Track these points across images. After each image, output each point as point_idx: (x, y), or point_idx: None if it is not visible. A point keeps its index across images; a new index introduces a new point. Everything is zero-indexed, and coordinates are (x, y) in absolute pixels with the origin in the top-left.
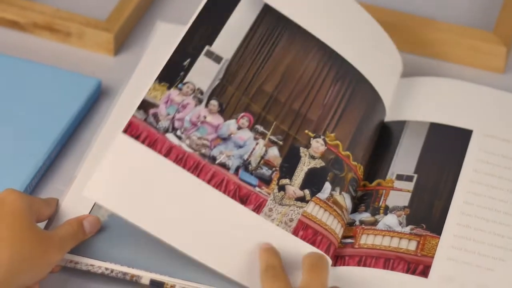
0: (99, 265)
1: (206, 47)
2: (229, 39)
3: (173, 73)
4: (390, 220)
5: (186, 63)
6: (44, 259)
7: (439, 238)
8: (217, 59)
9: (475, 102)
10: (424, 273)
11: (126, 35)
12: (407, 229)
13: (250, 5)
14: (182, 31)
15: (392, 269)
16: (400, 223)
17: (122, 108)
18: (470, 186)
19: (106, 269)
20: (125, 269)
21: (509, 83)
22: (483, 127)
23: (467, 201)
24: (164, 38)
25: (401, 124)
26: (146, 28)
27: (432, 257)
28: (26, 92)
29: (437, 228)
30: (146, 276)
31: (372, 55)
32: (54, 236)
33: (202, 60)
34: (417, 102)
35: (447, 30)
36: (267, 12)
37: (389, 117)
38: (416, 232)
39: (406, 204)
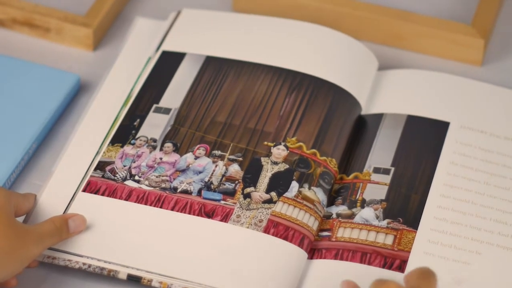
0: (76, 260)
1: (154, 105)
2: (175, 93)
3: (124, 134)
4: (367, 214)
5: (136, 123)
6: (21, 253)
7: (416, 232)
8: (166, 111)
9: (452, 94)
10: (401, 268)
11: (105, 31)
12: (384, 223)
13: (192, 61)
14: (129, 99)
15: (369, 263)
16: (377, 217)
17: (101, 103)
18: (447, 179)
19: (84, 264)
20: (102, 264)
21: (487, 76)
22: (460, 118)
23: (443, 194)
24: (142, 33)
25: (378, 117)
26: (125, 23)
27: (409, 252)
28: (5, 87)
29: (413, 222)
30: (123, 271)
31: (332, 59)
32: (33, 231)
33: (152, 116)
34: (394, 94)
35: (425, 23)
36: (210, 61)
37: (366, 110)
38: (393, 226)
39: (383, 197)
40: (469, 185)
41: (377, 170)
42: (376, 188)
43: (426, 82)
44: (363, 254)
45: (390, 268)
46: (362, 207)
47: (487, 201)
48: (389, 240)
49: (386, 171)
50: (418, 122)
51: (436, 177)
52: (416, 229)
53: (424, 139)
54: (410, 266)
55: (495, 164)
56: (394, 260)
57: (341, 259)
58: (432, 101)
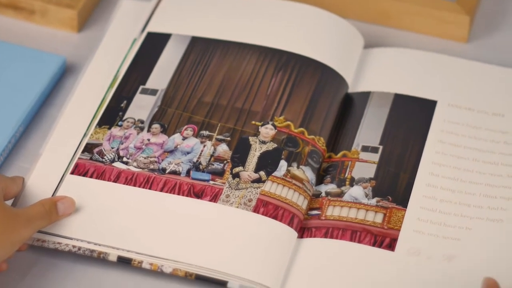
0: (66, 243)
1: (141, 87)
2: (162, 74)
3: (111, 116)
4: (356, 192)
5: (123, 104)
6: (12, 237)
7: (405, 210)
8: (153, 92)
9: (439, 72)
10: (391, 246)
11: (90, 12)
12: (373, 201)
13: (178, 42)
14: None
15: (359, 241)
16: (366, 195)
17: (87, 85)
18: (435, 157)
19: (74, 246)
20: (92, 246)
21: (473, 53)
22: (447, 97)
23: (432, 172)
24: (128, 15)
25: (366, 95)
26: (110, 4)
27: (399, 230)
28: None
29: (403, 200)
30: (113, 253)
31: (318, 37)
32: (22, 214)
33: (138, 98)
34: (381, 73)
35: (410, 0)
36: (196, 42)
37: (353, 88)
38: (382, 205)
39: (372, 176)
40: (458, 162)
41: (365, 149)
42: (364, 167)
43: (413, 61)
44: (353, 232)
45: (380, 246)
46: (351, 185)
47: (476, 178)
48: (378, 218)
49: (374, 150)
50: (405, 101)
51: (424, 156)
52: (405, 207)
53: (411, 118)
54: (400, 245)
55: (483, 140)
56: (384, 238)
57: (331, 237)
58: (419, 80)
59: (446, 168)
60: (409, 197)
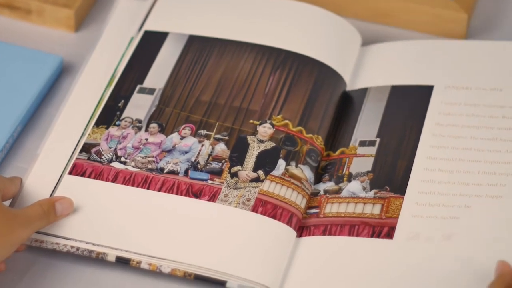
0: (64, 243)
1: (138, 86)
2: (159, 73)
3: (109, 116)
4: (353, 187)
5: (120, 104)
6: (10, 237)
7: (403, 197)
8: (151, 91)
9: (434, 57)
10: (389, 234)
11: (87, 11)
12: (371, 193)
13: (175, 40)
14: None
15: (357, 235)
16: (364, 189)
17: (84, 85)
18: (432, 141)
19: (72, 247)
20: (90, 247)
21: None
22: (443, 79)
23: (430, 156)
24: (124, 13)
25: (363, 92)
26: (107, 3)
27: (397, 218)
28: None
29: (401, 188)
30: (112, 254)
31: (316, 36)
32: (21, 215)
33: (136, 97)
34: (378, 68)
35: None
36: (193, 41)
37: (350, 86)
38: (380, 196)
39: (369, 169)
40: (456, 142)
41: (362, 143)
42: (362, 161)
43: (407, 51)
44: (351, 227)
45: (378, 236)
46: (349, 181)
47: (474, 155)
48: (376, 209)
49: (371, 143)
50: (402, 91)
51: (421, 140)
52: (403, 194)
53: (409, 106)
54: (398, 232)
55: (481, 117)
56: (382, 228)
57: (329, 234)
58: (415, 68)
59: (444, 149)
60: (407, 184)
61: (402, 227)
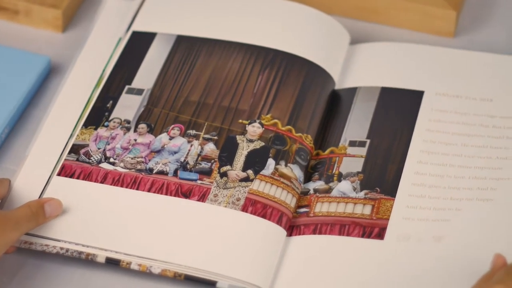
0: (54, 245)
1: (126, 87)
2: (147, 73)
3: (98, 117)
4: (344, 187)
5: (109, 104)
6: None
7: (394, 200)
8: (139, 91)
9: (425, 63)
10: (380, 235)
11: (74, 11)
12: (362, 194)
13: (163, 41)
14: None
15: (348, 234)
16: (354, 189)
17: (72, 85)
18: (423, 146)
19: (61, 248)
20: (80, 248)
21: (459, 47)
22: (434, 86)
23: (420, 160)
24: (112, 14)
25: (352, 91)
26: (94, 3)
27: (388, 219)
28: None
29: (391, 190)
30: (101, 255)
31: (304, 34)
32: (10, 217)
33: (124, 98)
34: (367, 68)
35: None
36: (181, 41)
37: (339, 84)
38: (370, 196)
39: (360, 169)
40: (446, 149)
41: (352, 143)
42: (352, 161)
43: (399, 54)
44: (342, 226)
45: (369, 236)
46: (339, 180)
47: (465, 162)
48: (367, 210)
49: (361, 144)
50: (392, 94)
51: (412, 145)
52: (394, 196)
53: (399, 110)
54: (389, 232)
55: (471, 125)
56: (373, 228)
57: (320, 233)
58: (405, 72)
59: (434, 155)
60: (397, 187)
61: (392, 228)
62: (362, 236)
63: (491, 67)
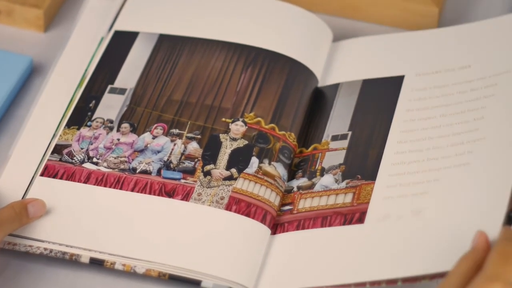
0: (37, 245)
1: (109, 86)
2: (130, 72)
3: (80, 117)
4: (326, 180)
5: (91, 104)
6: None
7: (374, 183)
8: (122, 91)
9: (404, 48)
10: (361, 219)
11: (56, 11)
12: (343, 184)
13: (145, 40)
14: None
15: (330, 225)
16: (336, 181)
17: (55, 85)
18: (403, 126)
19: (45, 249)
20: (64, 248)
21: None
22: (414, 68)
23: (400, 140)
24: (94, 13)
25: (335, 87)
26: (76, 3)
27: (368, 202)
28: None
29: (372, 174)
30: (85, 255)
31: (286, 32)
32: None
33: (107, 97)
34: (349, 63)
35: None
36: (163, 40)
37: (322, 82)
38: (351, 185)
39: (342, 161)
40: (426, 123)
41: (335, 138)
42: (334, 155)
43: (379, 46)
44: (324, 218)
45: (350, 223)
46: (322, 175)
47: (444, 131)
48: (348, 198)
49: (343, 137)
50: (373, 84)
51: (392, 128)
52: (375, 180)
53: (380, 98)
54: (370, 215)
55: (450, 95)
56: (354, 214)
57: (303, 228)
58: (385, 61)
59: (414, 132)
60: (378, 170)
61: (373, 210)
62: (344, 224)
63: (469, 36)
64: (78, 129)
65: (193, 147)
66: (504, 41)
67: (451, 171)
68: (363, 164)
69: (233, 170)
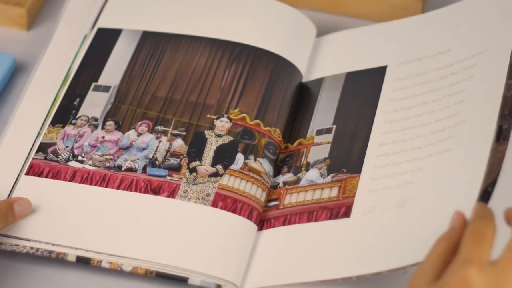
0: (23, 244)
1: (93, 84)
2: (114, 70)
3: (65, 115)
4: (311, 175)
5: (76, 102)
6: None
7: (359, 176)
8: (106, 89)
9: (386, 39)
10: (347, 213)
11: (39, 9)
12: (329, 178)
13: (129, 37)
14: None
15: (316, 220)
16: (322, 175)
17: (39, 84)
18: (386, 117)
19: (31, 248)
20: (50, 247)
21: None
22: (396, 58)
23: (384, 131)
24: (77, 11)
25: (319, 82)
26: (59, 1)
27: (354, 196)
28: None
29: (357, 167)
30: (72, 254)
31: (270, 28)
32: None
33: (91, 95)
34: (333, 57)
35: None
36: (147, 37)
37: (307, 77)
38: (337, 179)
39: (327, 155)
40: (408, 112)
41: (319, 132)
42: (319, 149)
43: (361, 38)
44: (310, 213)
45: (336, 217)
46: (307, 170)
47: (426, 119)
48: (334, 192)
49: (328, 131)
50: (356, 76)
51: (376, 119)
52: (360, 173)
53: (363, 90)
54: (355, 209)
55: (431, 82)
56: (340, 208)
57: (289, 223)
58: (368, 52)
59: (397, 122)
60: (362, 163)
61: (359, 204)
62: (330, 218)
63: (449, 19)
64: (63, 127)
65: (178, 144)
66: (481, 20)
67: (433, 158)
68: (348, 157)
69: (219, 167)
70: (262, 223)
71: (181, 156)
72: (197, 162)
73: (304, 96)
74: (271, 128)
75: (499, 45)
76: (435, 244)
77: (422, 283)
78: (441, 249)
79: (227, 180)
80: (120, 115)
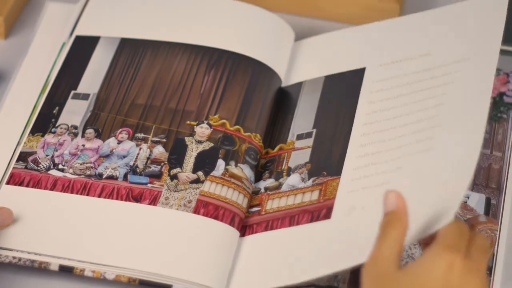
0: (6, 254)
1: (72, 92)
2: (93, 78)
3: (44, 123)
4: (292, 180)
5: (55, 110)
6: None
7: (340, 177)
8: (85, 96)
9: (364, 41)
10: (327, 215)
11: (16, 17)
12: (310, 182)
13: (107, 44)
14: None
15: (297, 223)
16: (303, 179)
17: (17, 92)
18: (366, 119)
19: (14, 258)
20: (32, 256)
21: None
22: (375, 60)
23: (364, 133)
24: (55, 18)
25: (299, 86)
26: (36, 8)
27: (334, 198)
28: None
29: (337, 170)
30: (54, 263)
31: (248, 33)
32: None
33: (71, 103)
34: (311, 61)
35: None
36: (125, 44)
37: (286, 82)
38: (317, 182)
39: (307, 160)
40: (388, 114)
41: (300, 137)
42: (300, 154)
43: (339, 40)
44: (291, 218)
45: (317, 219)
46: (288, 175)
47: (405, 120)
48: (315, 195)
49: (308, 135)
50: (335, 79)
51: (355, 121)
52: (340, 175)
53: (342, 92)
54: (336, 210)
55: (411, 84)
56: (321, 210)
57: (271, 229)
58: (346, 55)
59: (376, 124)
60: (343, 165)
61: (339, 205)
62: (311, 221)
63: (426, 24)
64: (43, 136)
65: (159, 151)
66: (462, 27)
67: (412, 158)
68: (328, 160)
69: (200, 173)
70: (245, 229)
71: (162, 163)
72: (178, 169)
73: (284, 100)
74: (251, 134)
75: (483, 55)
76: (387, 230)
77: (385, 270)
78: (397, 235)
79: (208, 187)
80: (100, 123)
